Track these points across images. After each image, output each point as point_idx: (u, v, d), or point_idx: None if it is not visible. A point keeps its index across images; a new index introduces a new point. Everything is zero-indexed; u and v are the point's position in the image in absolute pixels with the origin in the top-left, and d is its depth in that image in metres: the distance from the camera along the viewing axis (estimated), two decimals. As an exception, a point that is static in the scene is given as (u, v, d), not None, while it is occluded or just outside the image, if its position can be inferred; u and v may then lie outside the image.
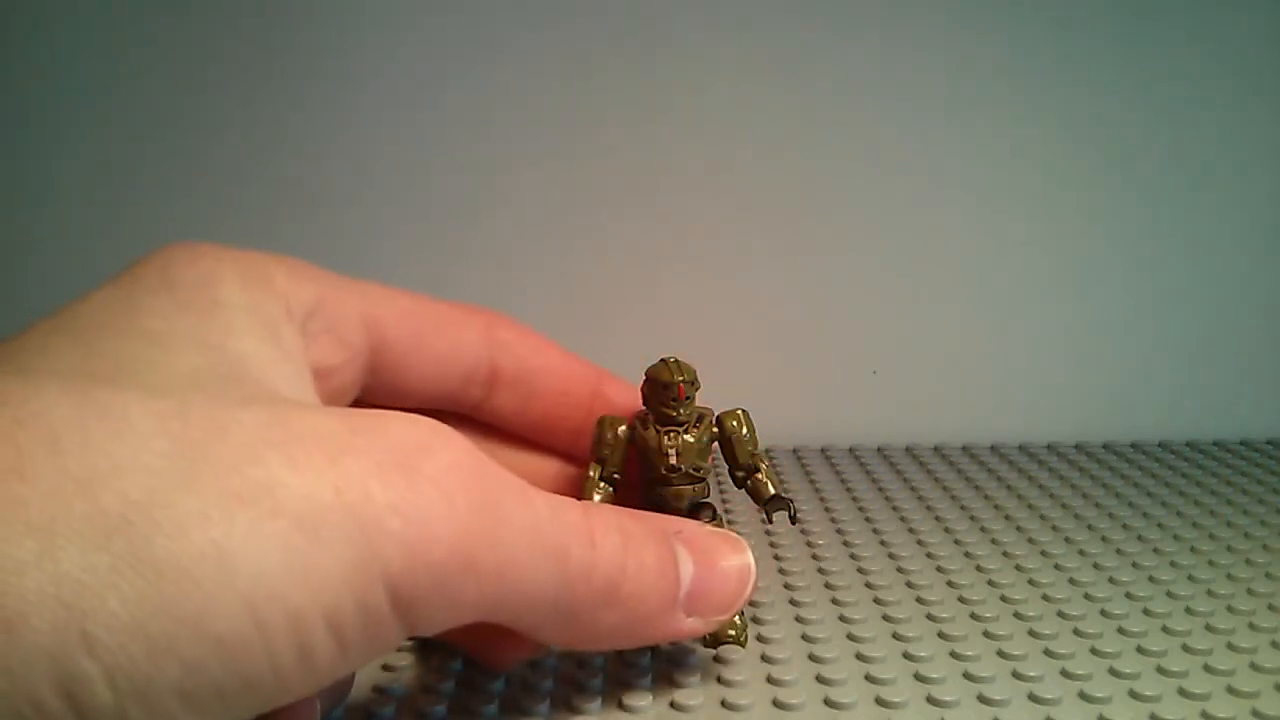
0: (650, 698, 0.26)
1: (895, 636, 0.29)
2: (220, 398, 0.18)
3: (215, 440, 0.17)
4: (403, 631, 0.19)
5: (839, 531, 0.37)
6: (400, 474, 0.18)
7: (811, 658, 0.28)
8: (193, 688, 0.16)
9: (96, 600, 0.15)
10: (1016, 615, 0.31)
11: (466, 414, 0.28)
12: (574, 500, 0.22)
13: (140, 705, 0.16)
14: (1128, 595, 0.32)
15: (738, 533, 0.36)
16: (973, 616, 0.30)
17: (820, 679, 0.27)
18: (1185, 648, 0.29)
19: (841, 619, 0.30)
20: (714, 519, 0.28)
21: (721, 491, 0.40)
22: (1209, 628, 0.30)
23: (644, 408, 0.28)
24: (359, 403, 0.26)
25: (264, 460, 0.17)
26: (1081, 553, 0.35)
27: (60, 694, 0.15)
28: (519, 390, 0.28)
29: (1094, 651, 0.28)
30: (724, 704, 0.25)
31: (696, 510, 0.28)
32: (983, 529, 0.38)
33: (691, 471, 0.28)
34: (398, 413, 0.20)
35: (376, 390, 0.26)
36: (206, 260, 0.22)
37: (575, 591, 0.21)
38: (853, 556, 0.35)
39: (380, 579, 0.18)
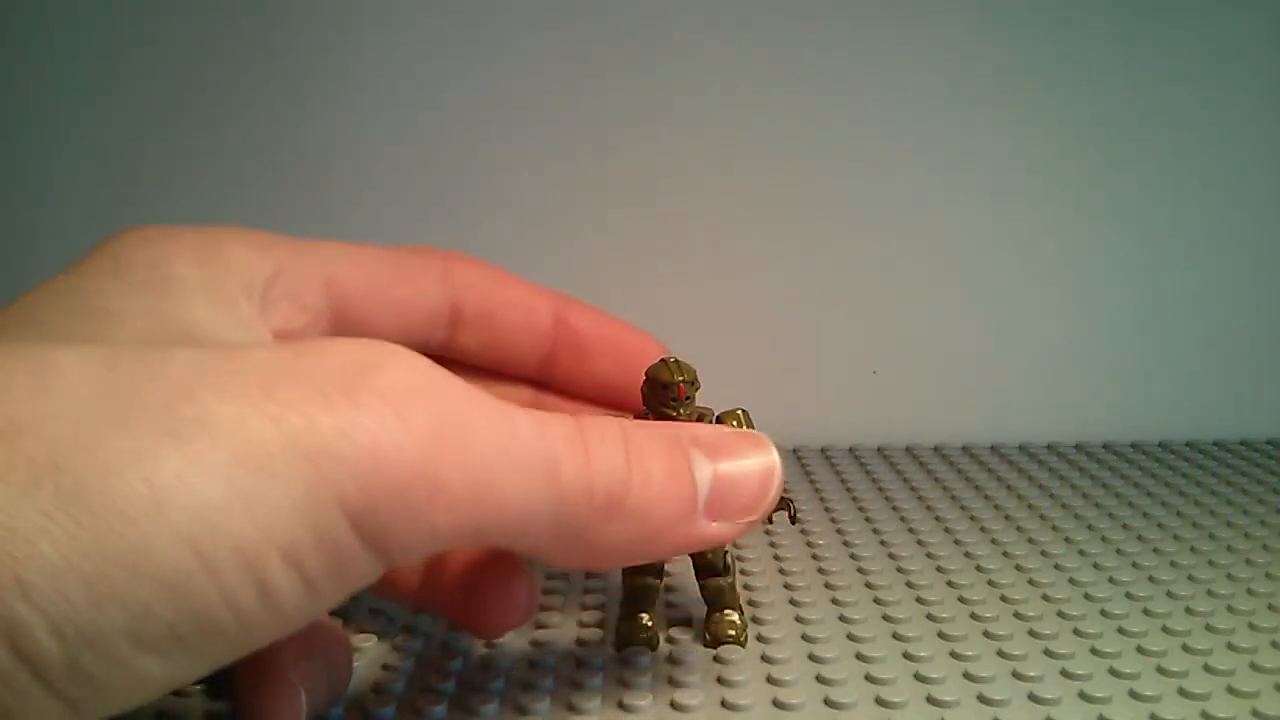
0: (650, 698, 0.26)
1: (895, 636, 0.29)
2: (155, 347, 0.18)
3: (144, 381, 0.16)
4: (376, 560, 0.18)
5: (839, 531, 0.37)
6: (345, 396, 0.17)
7: (811, 658, 0.28)
8: (142, 630, 0.15)
9: (27, 545, 0.15)
10: (1016, 615, 0.31)
11: (435, 355, 0.28)
12: (568, 412, 0.21)
13: (91, 651, 0.15)
14: (1128, 595, 0.32)
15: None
16: (973, 616, 0.30)
17: (820, 679, 0.27)
18: (1185, 648, 0.29)
19: (841, 619, 0.30)
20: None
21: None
22: (1209, 628, 0.30)
23: (644, 408, 0.28)
24: None
25: (196, 397, 0.16)
26: (1081, 553, 0.35)
27: (7, 646, 0.15)
28: (483, 326, 0.28)
29: (1094, 651, 0.28)
30: (724, 704, 0.25)
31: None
32: (983, 529, 0.38)
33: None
34: (344, 339, 0.19)
35: None
36: (158, 241, 0.22)
37: (574, 506, 0.20)
38: (853, 556, 0.35)
39: (337, 507, 0.17)
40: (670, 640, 0.29)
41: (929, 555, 0.35)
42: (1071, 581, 0.33)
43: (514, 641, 0.29)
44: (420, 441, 0.18)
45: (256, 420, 0.16)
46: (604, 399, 0.29)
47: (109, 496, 0.15)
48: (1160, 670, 0.27)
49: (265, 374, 0.17)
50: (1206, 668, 0.27)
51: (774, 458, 0.23)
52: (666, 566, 0.29)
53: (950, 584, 0.33)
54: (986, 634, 0.29)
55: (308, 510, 0.16)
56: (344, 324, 0.25)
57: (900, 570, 0.34)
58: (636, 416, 0.28)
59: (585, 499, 0.20)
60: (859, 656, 0.28)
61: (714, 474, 0.22)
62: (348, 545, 0.17)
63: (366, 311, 0.26)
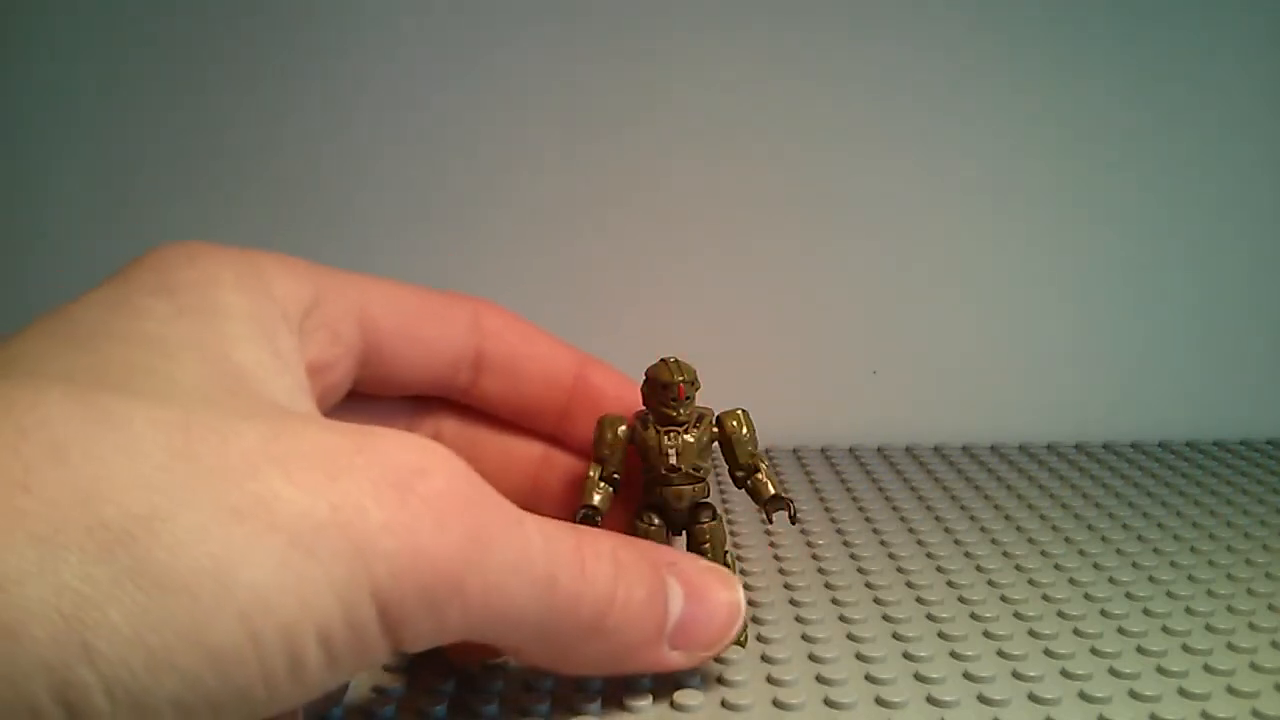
0: (650, 698, 0.26)
1: (895, 636, 0.29)
2: (222, 409, 0.18)
3: (216, 453, 0.17)
4: (389, 647, 0.19)
5: (839, 531, 0.37)
6: (396, 494, 0.19)
7: (811, 658, 0.28)
8: (188, 699, 0.16)
9: (97, 612, 0.15)
10: (1016, 615, 0.31)
11: (454, 398, 0.29)
12: (569, 526, 0.22)
13: (134, 714, 0.16)
14: (1128, 595, 0.32)
15: (737, 534, 0.37)
16: (973, 616, 0.30)
17: (820, 679, 0.27)
18: (1185, 648, 0.29)
19: (841, 619, 0.30)
20: (714, 519, 0.28)
21: (721, 491, 0.40)
22: (1209, 628, 0.30)
23: (644, 408, 0.28)
24: (351, 395, 0.26)
25: (263, 475, 0.17)
26: (1081, 553, 0.35)
27: (58, 702, 0.15)
28: (505, 376, 0.28)
29: (1094, 651, 0.28)
30: (724, 704, 0.25)
31: (696, 510, 0.28)
32: (983, 529, 0.38)
33: (691, 471, 0.28)
34: (397, 431, 0.20)
35: (367, 380, 0.26)
36: (203, 261, 0.22)
37: (561, 620, 0.21)
38: (853, 556, 0.35)
39: (370, 596, 0.18)
40: (670, 640, 0.29)
41: (929, 555, 0.35)
42: (1071, 581, 0.33)
43: (514, 641, 0.29)
44: (452, 548, 0.19)
45: (317, 505, 0.18)
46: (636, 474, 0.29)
47: (177, 571, 0.16)
48: (1160, 670, 0.27)
49: (329, 462, 0.18)
50: (1206, 668, 0.27)
51: (739, 599, 0.25)
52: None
53: (950, 584, 0.33)
54: (986, 634, 0.29)
55: (344, 594, 0.18)
56: (372, 360, 0.26)
57: (900, 570, 0.34)
58: (636, 416, 0.28)
59: (573, 615, 0.21)
60: (859, 656, 0.28)
61: (685, 608, 0.24)
62: (371, 630, 0.18)
63: (396, 349, 0.26)
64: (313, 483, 0.18)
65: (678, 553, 0.25)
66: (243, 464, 0.17)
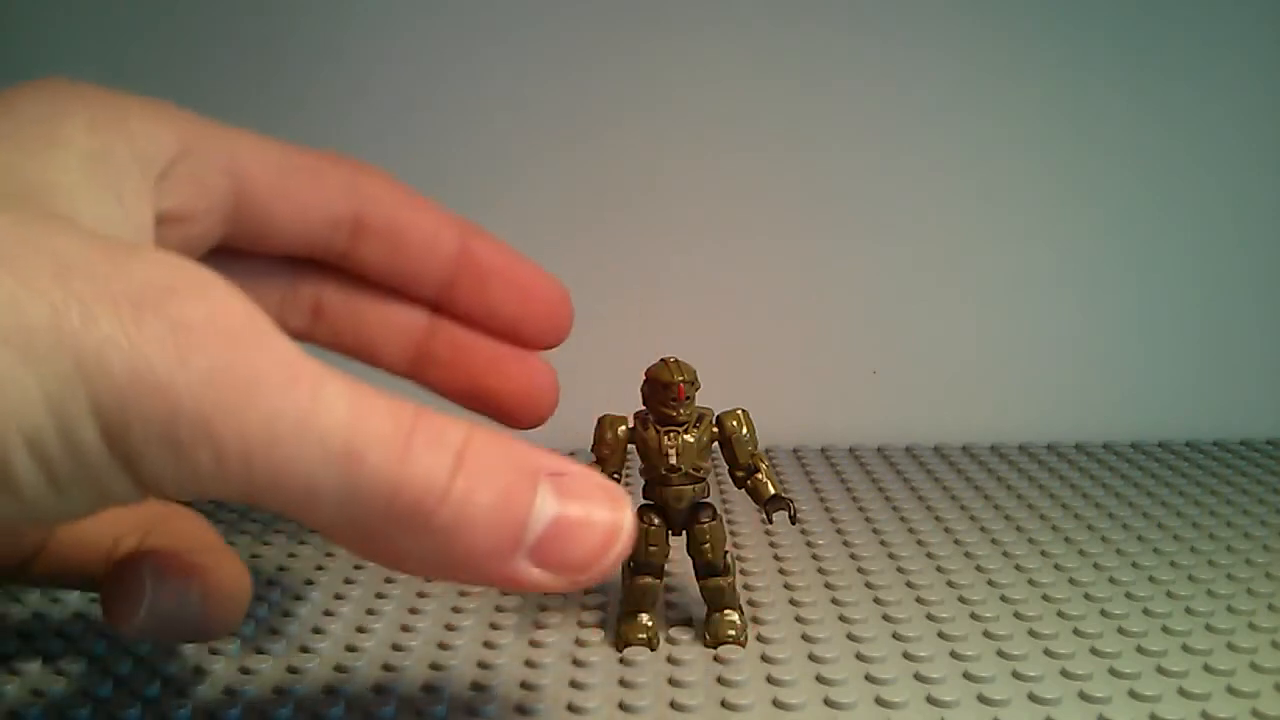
0: (650, 698, 0.26)
1: (895, 636, 0.29)
2: None
3: None
4: (130, 481, 0.17)
5: (839, 531, 0.37)
6: (134, 311, 0.16)
7: (811, 658, 0.28)
8: None
9: None
10: (1016, 615, 0.31)
11: (333, 263, 0.28)
12: (409, 407, 0.19)
13: None
14: (1128, 595, 0.32)
15: (737, 534, 0.37)
16: (973, 616, 0.30)
17: (820, 679, 0.27)
18: (1185, 648, 0.29)
19: (841, 619, 0.30)
20: (714, 519, 0.28)
21: (721, 491, 0.40)
22: (1209, 628, 0.30)
23: (644, 408, 0.28)
24: (219, 249, 0.25)
25: None
26: (1081, 553, 0.35)
27: None
28: (385, 242, 0.27)
29: (1094, 651, 0.28)
30: (724, 704, 0.25)
31: (696, 510, 0.28)
32: (983, 529, 0.38)
33: (691, 471, 0.28)
34: (168, 252, 0.18)
35: (238, 238, 0.25)
36: (59, 97, 0.21)
37: (368, 504, 0.18)
38: (853, 556, 0.35)
39: (89, 413, 0.16)
40: (670, 640, 0.29)
41: (929, 555, 0.35)
42: (1071, 581, 0.33)
43: (514, 641, 0.29)
44: (193, 383, 0.17)
45: (35, 303, 0.16)
46: (500, 330, 0.29)
47: None
48: (1160, 670, 0.27)
49: (64, 261, 0.16)
50: (1206, 668, 0.27)
51: (621, 519, 0.20)
52: (666, 566, 0.29)
53: (950, 584, 0.33)
54: (986, 634, 0.29)
55: (57, 405, 0.16)
56: (243, 217, 0.25)
57: (900, 570, 0.34)
58: (637, 416, 0.28)
59: (382, 502, 0.18)
60: (859, 656, 0.28)
61: (554, 518, 0.20)
62: (95, 453, 0.17)
63: (268, 206, 0.25)
64: (41, 283, 0.16)
65: (570, 463, 0.21)
66: None
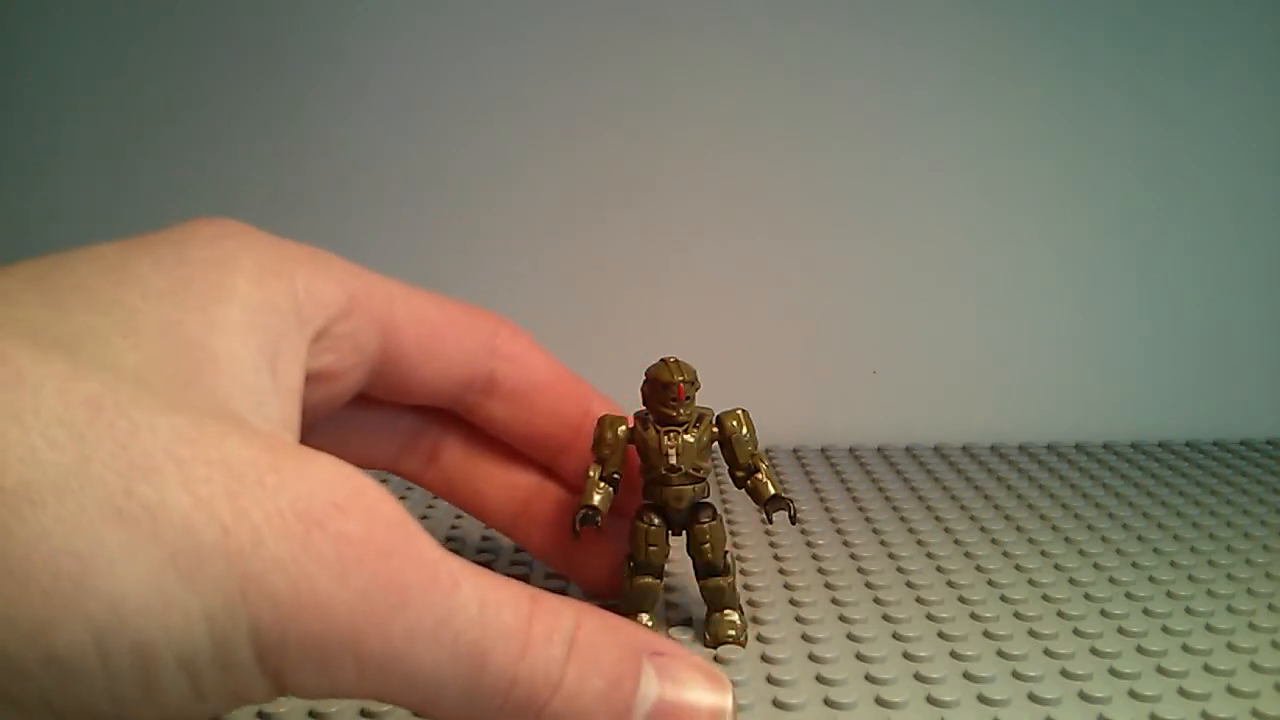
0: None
1: (895, 636, 0.29)
2: (152, 395, 0.17)
3: (119, 442, 0.16)
4: (272, 690, 0.17)
5: (839, 531, 0.37)
6: (301, 528, 0.17)
7: (811, 658, 0.28)
8: (22, 696, 0.15)
9: None
10: (1016, 615, 0.30)
11: (459, 414, 0.28)
12: (527, 594, 0.19)
13: None
14: (1128, 595, 0.32)
15: (737, 534, 0.37)
16: (973, 616, 0.30)
17: (820, 679, 0.27)
18: (1185, 648, 0.29)
19: (841, 619, 0.30)
20: (714, 519, 0.28)
21: (721, 491, 0.40)
22: (1209, 628, 0.30)
23: (644, 408, 0.28)
24: (356, 399, 0.26)
25: (159, 477, 0.16)
26: (1081, 553, 0.35)
27: None
28: (514, 403, 0.28)
29: (1094, 651, 0.28)
30: (724, 704, 0.25)
31: (696, 510, 0.28)
32: (983, 529, 0.38)
33: (691, 471, 0.28)
34: (331, 458, 0.18)
35: (377, 386, 0.26)
36: (228, 242, 0.21)
37: (488, 701, 0.18)
38: (853, 556, 0.35)
39: (246, 635, 0.16)
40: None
41: (929, 555, 0.35)
42: (1071, 581, 0.33)
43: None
44: (351, 601, 0.17)
45: (208, 525, 0.16)
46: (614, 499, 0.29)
47: (33, 564, 0.15)
48: (1160, 670, 0.27)
49: (237, 476, 0.16)
50: (1206, 668, 0.27)
51: (726, 705, 0.21)
52: (666, 567, 0.29)
53: (950, 584, 0.33)
54: (986, 634, 0.29)
55: (216, 628, 0.16)
56: (388, 369, 0.25)
57: (900, 570, 0.34)
58: (637, 416, 0.28)
59: (502, 698, 0.18)
60: (859, 656, 0.28)
61: (658, 700, 0.20)
62: (246, 671, 0.17)
63: (412, 362, 0.25)
64: (211, 497, 0.16)
65: (671, 643, 0.21)
66: (142, 460, 0.16)
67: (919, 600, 0.31)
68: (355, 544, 0.17)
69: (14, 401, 0.15)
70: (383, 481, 0.24)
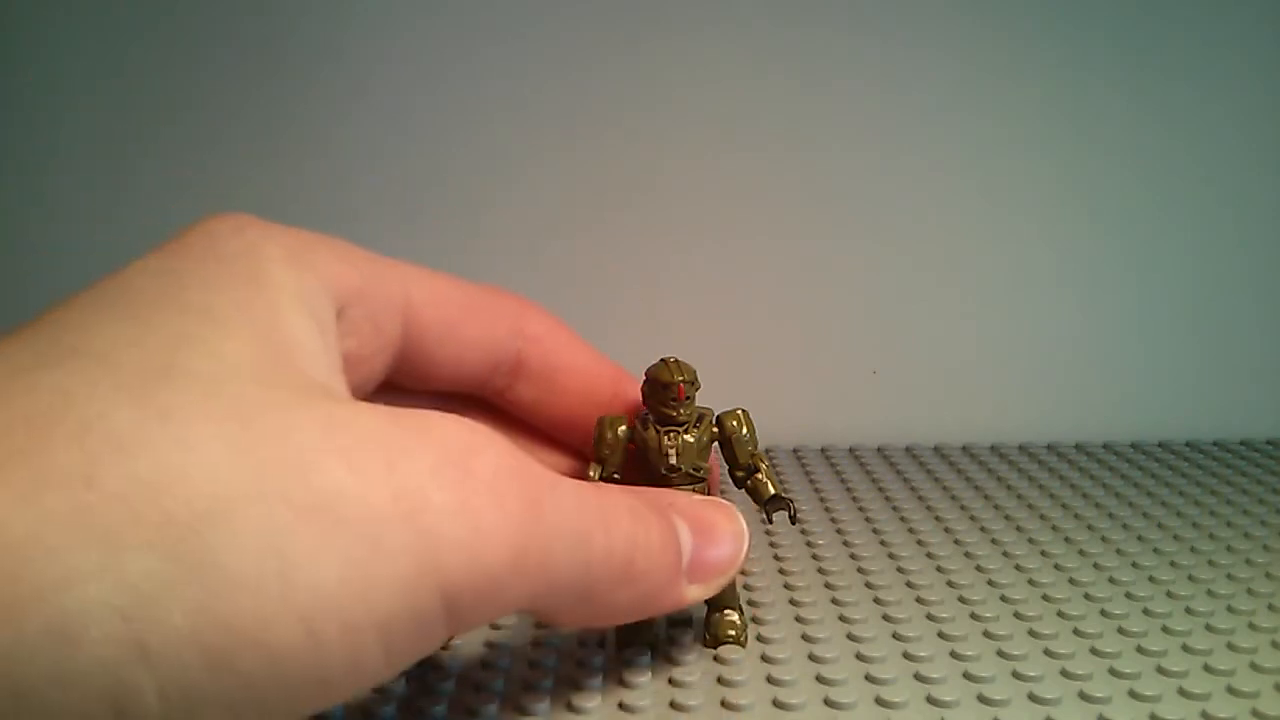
0: (650, 698, 0.26)
1: (895, 636, 0.29)
2: (275, 395, 0.18)
3: (276, 446, 0.17)
4: (448, 634, 0.19)
5: (839, 531, 0.37)
6: (454, 475, 0.18)
7: (811, 658, 0.28)
8: (241, 699, 0.16)
9: (159, 610, 0.15)
10: (1016, 615, 0.30)
11: (487, 399, 0.28)
12: (587, 484, 0.22)
13: (184, 714, 0.15)
14: (1128, 595, 0.32)
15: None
16: (973, 616, 0.30)
17: (820, 679, 0.27)
18: (1185, 648, 0.29)
19: (841, 619, 0.30)
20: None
21: (722, 491, 0.40)
22: (1209, 628, 0.30)
23: (644, 408, 0.28)
24: (382, 386, 0.26)
25: (325, 468, 0.17)
26: (1081, 553, 0.35)
27: (110, 707, 0.15)
28: (542, 384, 0.28)
29: (1094, 651, 0.28)
30: (724, 704, 0.25)
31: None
32: (983, 529, 0.38)
33: (691, 471, 0.28)
34: (439, 413, 0.19)
35: (402, 373, 0.26)
36: (251, 233, 0.22)
37: (596, 574, 0.21)
38: (853, 556, 0.35)
39: (436, 588, 0.18)
40: (670, 640, 0.29)
41: (929, 555, 0.35)
42: (1071, 581, 0.33)
43: (514, 641, 0.29)
44: (514, 522, 0.19)
45: (381, 496, 0.17)
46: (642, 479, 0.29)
47: (241, 568, 0.16)
48: (1160, 670, 0.27)
49: (386, 447, 0.18)
50: (1206, 668, 0.27)
51: (742, 526, 0.25)
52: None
53: (950, 584, 0.33)
54: (986, 634, 0.29)
55: (410, 589, 0.17)
56: (412, 354, 0.25)
57: (900, 570, 0.34)
58: (637, 417, 0.28)
59: (605, 567, 0.21)
60: (859, 656, 0.28)
61: (694, 542, 0.24)
62: (434, 621, 0.18)
63: (436, 346, 0.26)
64: (374, 472, 0.17)
65: (672, 493, 0.25)
66: (304, 457, 0.17)
67: (919, 600, 0.31)
68: (500, 473, 0.19)
69: (174, 432, 0.16)
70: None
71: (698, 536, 0.24)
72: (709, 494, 0.28)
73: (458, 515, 0.18)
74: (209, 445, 0.16)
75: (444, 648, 0.29)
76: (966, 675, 0.27)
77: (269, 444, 0.17)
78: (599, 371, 0.29)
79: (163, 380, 0.17)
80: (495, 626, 0.30)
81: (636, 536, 0.22)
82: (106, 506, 0.15)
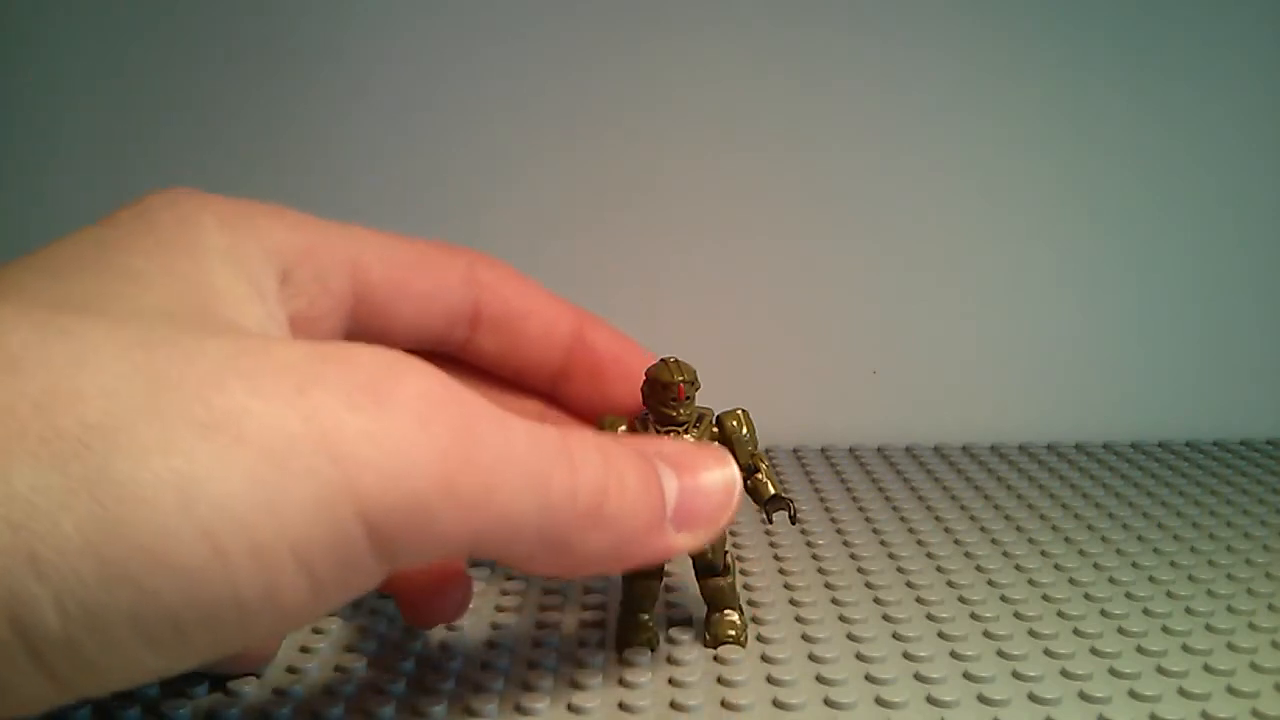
0: (650, 698, 0.26)
1: (895, 636, 0.29)
2: (186, 327, 0.18)
3: (178, 368, 0.16)
4: (380, 568, 0.18)
5: (839, 531, 0.37)
6: (372, 401, 0.17)
7: (811, 658, 0.28)
8: (146, 615, 0.15)
9: (48, 522, 0.15)
10: (1016, 615, 0.30)
11: (450, 354, 0.28)
12: (549, 425, 0.21)
13: (90, 633, 0.15)
14: (1128, 595, 0.32)
15: (737, 534, 0.37)
16: (973, 616, 0.30)
17: (820, 679, 0.27)
18: (1185, 648, 0.29)
19: (841, 619, 0.30)
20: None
21: (721, 491, 0.40)
22: (1209, 628, 0.30)
23: (644, 408, 0.28)
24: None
25: (228, 389, 0.16)
26: (1081, 553, 0.35)
27: (7, 619, 0.15)
28: (502, 332, 0.28)
29: (1094, 651, 0.28)
30: (724, 704, 0.25)
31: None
32: (983, 529, 0.38)
33: (691, 471, 0.28)
34: (364, 344, 0.19)
35: (359, 333, 0.26)
36: (187, 204, 0.22)
37: (559, 516, 0.20)
38: (853, 556, 0.35)
39: (354, 511, 0.17)
40: (670, 640, 0.29)
41: (929, 555, 0.35)
42: (1071, 581, 0.33)
43: (514, 641, 0.29)
44: (440, 446, 0.18)
45: (288, 417, 0.17)
46: None
47: (137, 482, 0.15)
48: (1160, 670, 0.27)
49: (297, 372, 0.17)
50: (1206, 668, 0.27)
51: (734, 472, 0.24)
52: (666, 567, 0.29)
53: (950, 584, 0.33)
54: (986, 634, 0.29)
55: (325, 510, 0.17)
56: (364, 314, 0.25)
57: (900, 570, 0.34)
58: (637, 418, 0.28)
59: (570, 508, 0.20)
60: (859, 656, 0.28)
61: (679, 487, 0.23)
62: (359, 549, 0.17)
63: (388, 302, 0.25)
64: (281, 395, 0.17)
65: (661, 439, 0.25)
66: (207, 378, 0.16)
67: (919, 600, 0.31)
68: (424, 398, 0.18)
69: (73, 351, 0.16)
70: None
71: (685, 480, 0.23)
72: None
73: (374, 437, 0.17)
74: (107, 365, 0.16)
75: (450, 629, 0.29)
76: (966, 675, 0.27)
77: (170, 367, 0.16)
78: (557, 313, 0.29)
79: (72, 313, 0.17)
80: (495, 626, 0.30)
81: (607, 478, 0.21)
82: None
